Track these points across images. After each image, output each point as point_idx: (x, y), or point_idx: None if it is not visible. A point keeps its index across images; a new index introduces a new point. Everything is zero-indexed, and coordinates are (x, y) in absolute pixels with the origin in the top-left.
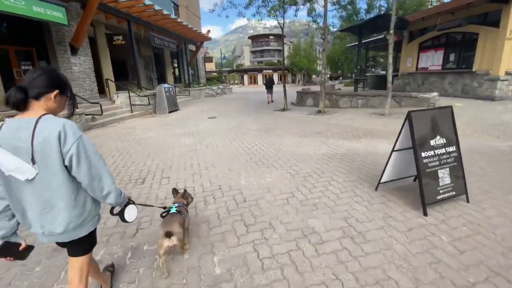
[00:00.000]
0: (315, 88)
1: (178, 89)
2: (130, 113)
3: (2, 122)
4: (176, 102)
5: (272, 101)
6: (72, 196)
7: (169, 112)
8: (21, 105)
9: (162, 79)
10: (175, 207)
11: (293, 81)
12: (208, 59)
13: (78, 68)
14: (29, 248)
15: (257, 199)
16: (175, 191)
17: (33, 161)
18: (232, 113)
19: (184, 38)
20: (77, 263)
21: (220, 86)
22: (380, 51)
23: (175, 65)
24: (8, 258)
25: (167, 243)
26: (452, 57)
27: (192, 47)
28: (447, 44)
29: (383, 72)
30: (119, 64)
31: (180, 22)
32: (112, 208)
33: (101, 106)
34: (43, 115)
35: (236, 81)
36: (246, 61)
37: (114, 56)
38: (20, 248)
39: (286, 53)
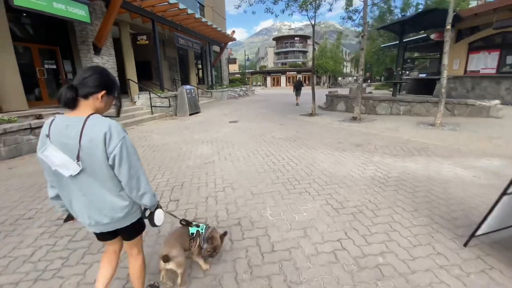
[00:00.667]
0: (342, 91)
1: (201, 91)
2: (151, 115)
3: (52, 118)
4: (198, 104)
5: (297, 104)
6: (116, 190)
7: (190, 114)
8: (71, 104)
9: (185, 81)
10: (203, 229)
11: (318, 83)
12: (232, 61)
13: None
14: None
15: (290, 249)
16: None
17: (78, 158)
18: (255, 118)
19: (208, 38)
20: (132, 243)
21: (243, 88)
22: (419, 52)
23: (199, 66)
24: (73, 220)
25: (163, 266)
26: (510, 59)
27: (216, 48)
28: (504, 44)
29: (423, 75)
30: (143, 64)
31: (205, 22)
32: (144, 210)
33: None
34: (91, 114)
35: (259, 83)
36: (270, 62)
37: (138, 57)
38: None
39: (310, 54)
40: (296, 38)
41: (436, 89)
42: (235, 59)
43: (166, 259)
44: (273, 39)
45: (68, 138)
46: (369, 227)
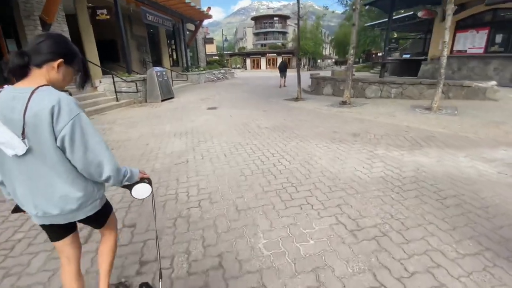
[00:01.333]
0: (324, 73)
1: (176, 74)
2: (116, 102)
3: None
4: (171, 88)
5: (284, 85)
6: (68, 177)
7: (162, 100)
8: (19, 72)
9: (157, 62)
10: None
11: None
12: (209, 40)
13: None
14: None
15: None
16: None
17: (23, 135)
18: (236, 103)
19: (181, 15)
20: (103, 229)
21: (222, 71)
22: (403, 32)
23: (173, 47)
24: (23, 212)
25: None
26: (499, 38)
27: (191, 26)
28: (494, 22)
29: (406, 56)
30: (108, 44)
31: None
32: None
33: (69, 93)
34: (42, 86)
35: (238, 65)
36: (249, 44)
37: (101, 35)
38: None
39: (290, 36)
40: (275, 18)
41: (422, 71)
42: (212, 39)
43: None
44: (252, 19)
45: (13, 112)
46: (403, 262)
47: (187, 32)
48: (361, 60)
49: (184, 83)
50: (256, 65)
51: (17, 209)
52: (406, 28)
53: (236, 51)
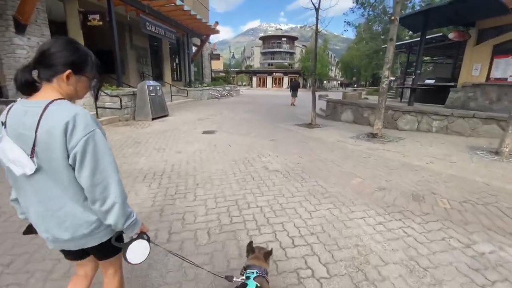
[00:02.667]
0: (333, 95)
1: (176, 89)
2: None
3: (12, 104)
4: (165, 105)
5: (294, 104)
6: (81, 198)
7: (153, 118)
8: (27, 89)
9: (159, 76)
10: (254, 278)
11: (304, 86)
12: (215, 56)
13: (25, 53)
14: None
15: None
16: (250, 248)
17: (32, 153)
18: (239, 126)
19: (187, 28)
20: (106, 262)
21: (227, 87)
22: (429, 55)
23: (176, 61)
24: (36, 234)
25: None
26: None
27: (196, 41)
28: None
29: (430, 82)
30: (103, 54)
31: (181, 5)
32: (117, 234)
33: (97, 91)
34: (56, 99)
35: (244, 83)
36: (256, 62)
37: (98, 44)
38: None
39: (297, 56)
40: (283, 39)
41: (450, 99)
42: (218, 54)
43: None
44: (260, 39)
45: (24, 128)
46: None
47: (193, 47)
48: (367, 83)
49: (184, 99)
50: (262, 84)
51: (29, 230)
52: (431, 51)
53: (243, 69)
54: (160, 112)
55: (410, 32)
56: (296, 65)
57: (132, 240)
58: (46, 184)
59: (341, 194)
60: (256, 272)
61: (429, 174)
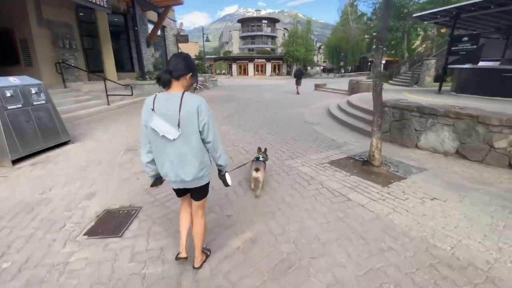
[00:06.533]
0: (330, 83)
1: (129, 83)
2: None
3: (155, 94)
4: (57, 124)
5: (298, 93)
6: (199, 154)
7: (18, 160)
8: (168, 84)
9: (95, 67)
10: (261, 158)
11: (288, 73)
12: (182, 38)
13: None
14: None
15: None
16: (259, 149)
17: (178, 125)
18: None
19: None
20: (199, 204)
21: (200, 78)
22: (474, 26)
23: (123, 43)
24: (157, 186)
25: (254, 174)
26: None
27: (153, 16)
28: None
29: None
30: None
31: None
32: (219, 172)
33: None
34: (184, 91)
35: (223, 71)
36: (235, 48)
37: None
38: (162, 180)
39: (280, 40)
40: (264, 21)
41: None
42: (187, 36)
43: (257, 169)
44: (238, 21)
45: (168, 110)
46: None
47: (148, 24)
48: (352, 68)
49: (130, 99)
50: (243, 71)
51: (154, 183)
52: (479, 21)
53: (222, 55)
54: (41, 141)
55: None
56: (279, 50)
57: (225, 173)
58: (181, 145)
59: None
60: (262, 157)
61: None
